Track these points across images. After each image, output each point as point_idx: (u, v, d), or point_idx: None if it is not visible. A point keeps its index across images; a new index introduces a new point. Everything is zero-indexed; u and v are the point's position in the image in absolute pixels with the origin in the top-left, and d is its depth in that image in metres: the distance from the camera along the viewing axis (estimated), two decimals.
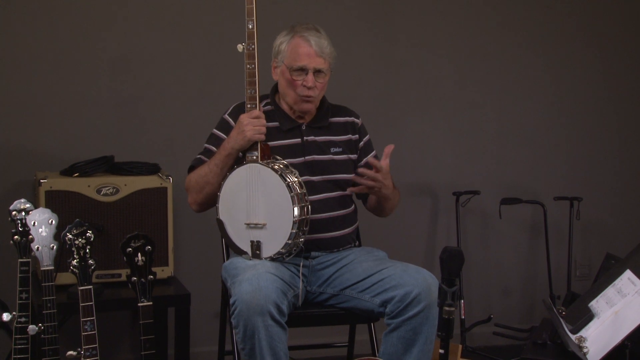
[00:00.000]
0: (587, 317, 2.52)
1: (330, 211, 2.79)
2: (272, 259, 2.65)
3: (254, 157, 2.67)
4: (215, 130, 2.86)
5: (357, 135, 2.92)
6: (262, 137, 2.67)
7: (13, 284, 2.70)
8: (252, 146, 2.67)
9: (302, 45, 2.73)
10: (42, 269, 2.56)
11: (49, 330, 2.58)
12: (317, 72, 2.74)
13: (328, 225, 2.78)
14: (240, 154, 2.70)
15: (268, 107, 2.83)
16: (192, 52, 3.67)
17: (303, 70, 2.73)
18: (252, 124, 2.64)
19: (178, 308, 3.11)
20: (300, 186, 2.64)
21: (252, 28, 2.64)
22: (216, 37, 3.66)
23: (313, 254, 2.78)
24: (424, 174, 4.06)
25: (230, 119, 2.82)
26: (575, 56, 4.22)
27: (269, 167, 2.63)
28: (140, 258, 2.60)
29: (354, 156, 2.90)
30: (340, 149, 2.86)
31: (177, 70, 3.65)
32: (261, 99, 2.74)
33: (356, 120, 2.95)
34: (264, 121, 2.67)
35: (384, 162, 2.69)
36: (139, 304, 2.61)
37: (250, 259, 2.67)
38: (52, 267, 2.57)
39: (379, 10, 3.93)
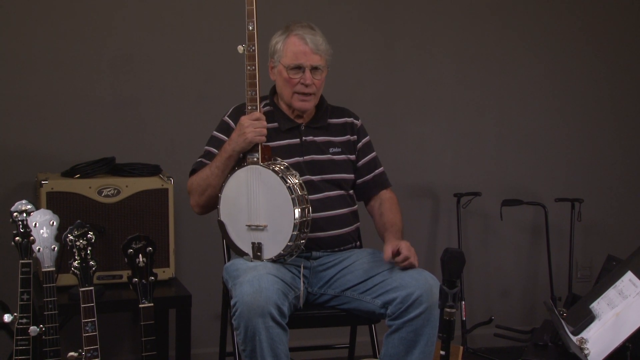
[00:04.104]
0: (589, 318, 2.52)
1: (330, 210, 2.79)
2: (273, 260, 2.65)
3: (255, 159, 2.67)
4: (215, 132, 2.86)
5: (355, 136, 2.92)
6: (263, 139, 2.67)
7: (14, 285, 2.70)
8: (253, 148, 2.67)
9: (297, 44, 2.74)
10: (43, 270, 2.56)
11: (50, 332, 2.58)
12: (313, 69, 2.75)
13: (328, 223, 2.78)
14: (241, 155, 2.70)
15: (267, 108, 2.84)
16: (193, 54, 3.67)
17: (300, 68, 2.74)
18: (253, 126, 2.64)
19: (179, 309, 3.11)
20: (301, 188, 2.64)
21: (253, 29, 2.64)
22: (217, 39, 3.66)
23: (314, 254, 2.78)
24: (425, 176, 4.06)
25: (230, 121, 2.83)
26: (576, 58, 4.22)
27: (269, 168, 2.63)
28: (141, 259, 2.61)
29: (352, 157, 2.90)
30: (339, 149, 2.86)
31: (178, 71, 3.65)
32: (260, 100, 2.74)
33: (355, 121, 2.95)
34: (264, 123, 2.67)
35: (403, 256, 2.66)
36: (140, 305, 2.62)
37: (251, 261, 2.67)
38: (53, 269, 2.57)
39: (379, 12, 3.93)
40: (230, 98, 2.99)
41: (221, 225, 2.72)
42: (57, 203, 3.01)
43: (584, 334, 2.47)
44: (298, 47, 2.73)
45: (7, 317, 2.65)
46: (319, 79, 2.77)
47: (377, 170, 2.94)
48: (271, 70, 2.83)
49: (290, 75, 2.74)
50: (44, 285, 2.57)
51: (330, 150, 2.84)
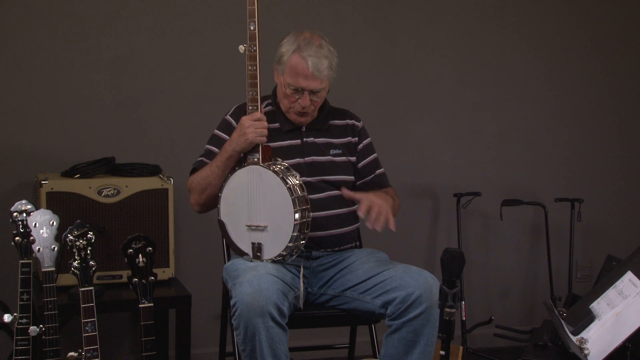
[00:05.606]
0: (588, 318, 2.52)
1: (330, 209, 2.78)
2: (273, 261, 2.65)
3: (256, 160, 2.67)
4: (216, 131, 2.86)
5: (356, 138, 2.92)
6: (264, 139, 2.66)
7: (14, 285, 2.71)
8: (254, 148, 2.67)
9: (299, 65, 2.69)
10: (43, 270, 2.56)
11: (50, 332, 2.58)
12: (313, 92, 2.74)
13: (328, 223, 2.78)
14: (242, 155, 2.70)
15: (269, 108, 2.83)
16: (193, 54, 3.67)
17: (299, 90, 2.73)
18: (254, 126, 2.64)
19: (179, 309, 3.11)
20: (302, 189, 2.63)
21: (254, 29, 2.63)
22: (217, 39, 3.66)
23: (314, 254, 2.78)
24: (425, 176, 4.06)
25: (232, 120, 2.83)
26: (576, 58, 4.22)
27: (270, 169, 2.62)
28: (141, 259, 2.61)
29: (353, 158, 2.90)
30: (340, 151, 2.86)
31: (178, 71, 3.65)
32: (262, 99, 2.74)
33: (356, 123, 2.94)
34: (265, 123, 2.67)
35: (362, 201, 2.66)
36: (140, 306, 2.62)
37: (251, 261, 2.67)
38: (53, 269, 2.57)
39: (380, 13, 3.93)
40: (230, 98, 2.99)
41: (221, 224, 2.72)
42: (57, 203, 3.01)
43: (584, 334, 2.47)
44: (299, 70, 2.69)
45: (7, 317, 2.65)
46: (318, 100, 2.76)
47: (377, 172, 2.94)
48: (276, 73, 2.81)
49: (288, 93, 2.74)
50: (44, 285, 2.57)
51: (331, 151, 2.84)
